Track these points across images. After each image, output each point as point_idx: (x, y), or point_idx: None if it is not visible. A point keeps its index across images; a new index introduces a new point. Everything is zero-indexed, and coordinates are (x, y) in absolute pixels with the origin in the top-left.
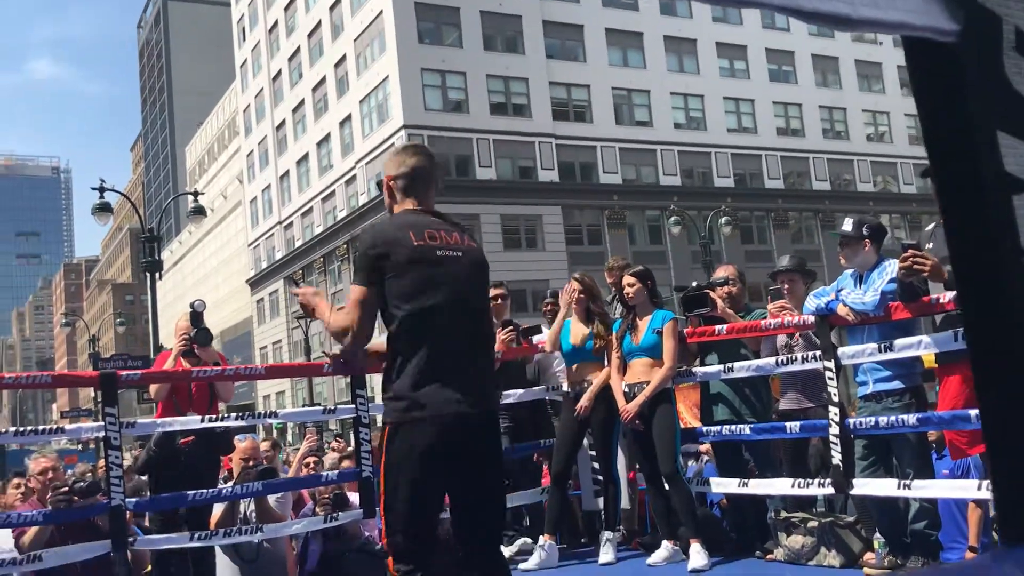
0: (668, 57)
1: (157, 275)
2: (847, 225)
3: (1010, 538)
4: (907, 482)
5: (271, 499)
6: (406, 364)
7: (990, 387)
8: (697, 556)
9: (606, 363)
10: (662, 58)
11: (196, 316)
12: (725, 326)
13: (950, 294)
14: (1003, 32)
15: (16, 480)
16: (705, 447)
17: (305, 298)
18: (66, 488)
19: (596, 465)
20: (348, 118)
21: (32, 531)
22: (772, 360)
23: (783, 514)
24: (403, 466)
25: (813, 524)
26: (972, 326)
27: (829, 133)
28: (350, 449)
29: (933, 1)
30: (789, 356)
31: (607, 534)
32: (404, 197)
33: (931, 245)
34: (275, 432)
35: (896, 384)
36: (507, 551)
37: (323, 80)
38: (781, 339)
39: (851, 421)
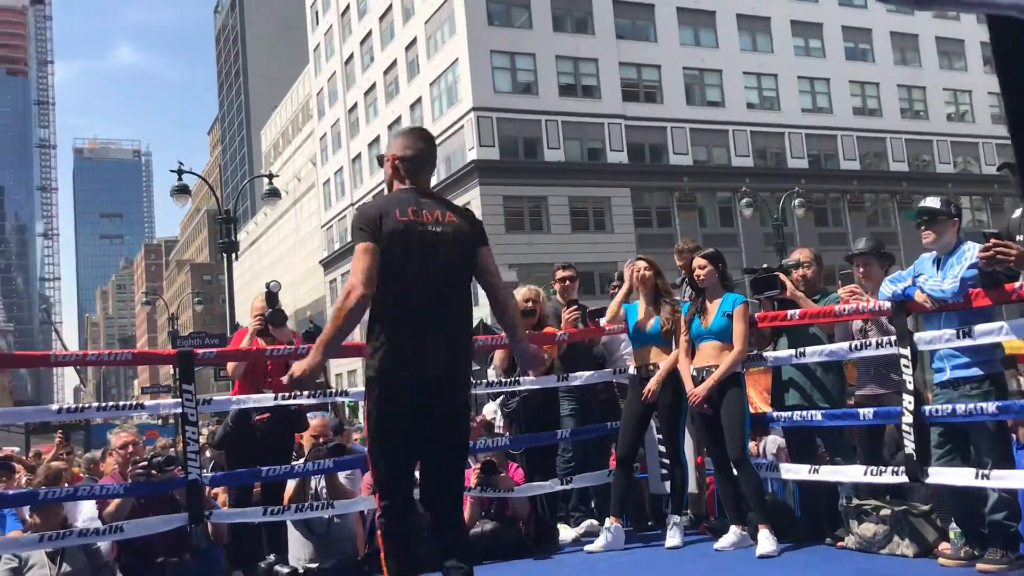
0: (741, 36)
1: (233, 255)
2: (933, 202)
3: None
4: (985, 471)
5: (341, 476)
6: (381, 328)
7: None
8: (766, 542)
9: (673, 346)
10: (735, 37)
11: (271, 297)
12: (798, 311)
13: None
14: None
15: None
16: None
17: (298, 371)
18: (145, 462)
19: (663, 448)
20: (418, 101)
21: (114, 503)
22: (845, 345)
23: (855, 501)
24: (378, 419)
25: (886, 512)
26: None
27: (907, 112)
28: None
29: None
30: (863, 341)
31: (674, 518)
32: (405, 176)
33: (1021, 237)
34: (347, 410)
35: (974, 371)
36: (573, 532)
37: (394, 63)
38: (856, 324)
39: (927, 408)
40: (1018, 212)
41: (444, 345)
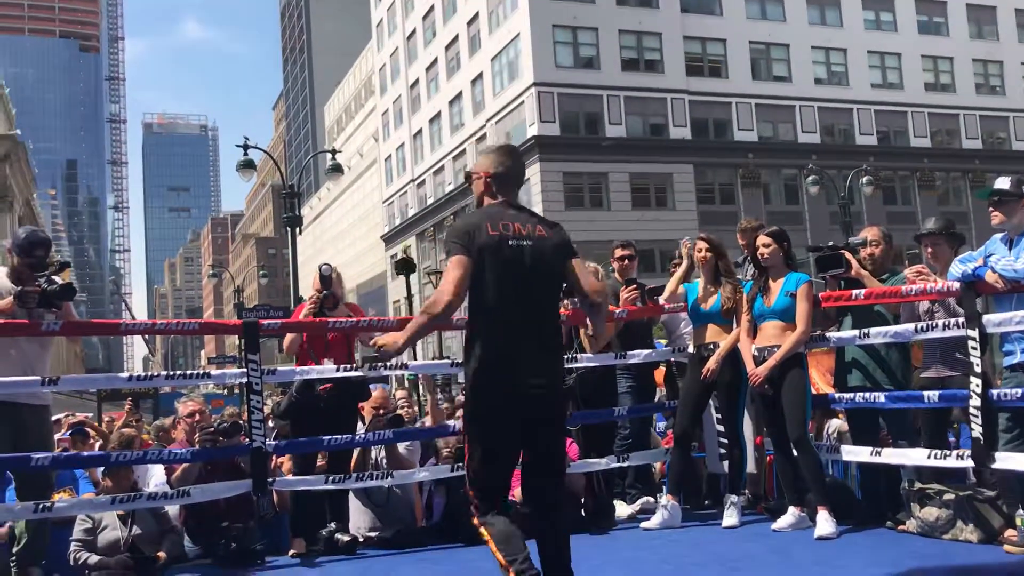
0: (809, 9)
1: (297, 230)
2: (1003, 183)
3: None
4: None
5: (400, 447)
6: (476, 338)
7: None
8: (824, 523)
9: (734, 325)
10: (803, 10)
11: (324, 280)
12: (863, 291)
13: None
14: None
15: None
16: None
17: (387, 344)
18: (211, 429)
19: (721, 428)
20: (479, 76)
21: (181, 468)
22: (911, 326)
23: (917, 485)
24: (476, 427)
25: (950, 497)
26: None
27: (983, 88)
28: None
29: None
30: (930, 323)
31: (731, 497)
32: (496, 192)
33: None
34: (407, 383)
35: None
36: (629, 509)
37: (456, 38)
38: (923, 305)
39: (995, 392)
40: None
41: (538, 354)
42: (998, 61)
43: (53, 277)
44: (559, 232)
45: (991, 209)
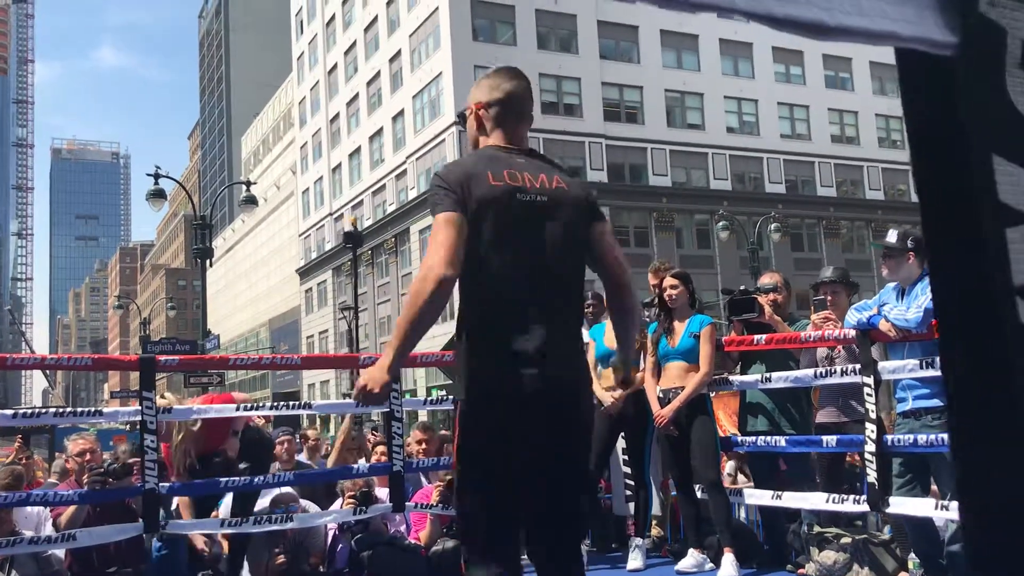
0: (723, 60)
1: (208, 262)
2: (891, 236)
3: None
4: (945, 502)
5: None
6: (475, 324)
7: (965, 432)
8: (728, 566)
9: (641, 366)
10: (717, 61)
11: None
12: (764, 336)
13: None
14: (1007, 47)
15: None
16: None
17: (371, 382)
18: (101, 469)
19: (628, 470)
20: (401, 113)
21: (68, 511)
22: (811, 372)
23: (816, 528)
24: (477, 445)
25: (846, 540)
26: (950, 364)
27: (885, 142)
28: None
29: (929, 9)
30: (829, 368)
31: (636, 540)
32: (493, 128)
33: None
34: (318, 420)
35: (935, 402)
36: None
37: (377, 75)
38: (822, 351)
39: (889, 438)
40: None
41: (559, 342)
42: (898, 116)
43: None
44: (581, 185)
45: (883, 261)
